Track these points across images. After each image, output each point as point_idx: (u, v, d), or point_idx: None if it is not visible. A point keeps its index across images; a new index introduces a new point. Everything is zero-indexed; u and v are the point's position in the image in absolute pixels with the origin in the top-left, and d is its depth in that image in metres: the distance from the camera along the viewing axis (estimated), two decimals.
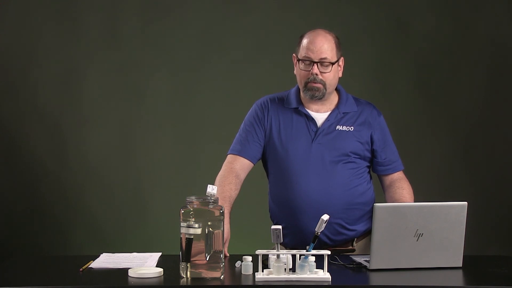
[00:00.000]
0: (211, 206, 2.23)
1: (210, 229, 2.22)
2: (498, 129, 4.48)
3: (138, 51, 4.52)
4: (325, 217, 2.22)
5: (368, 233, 2.79)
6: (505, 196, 4.45)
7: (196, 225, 2.18)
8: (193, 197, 2.25)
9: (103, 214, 4.52)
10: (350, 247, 2.75)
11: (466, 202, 2.35)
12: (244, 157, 2.79)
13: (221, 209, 2.25)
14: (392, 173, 2.85)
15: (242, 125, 2.86)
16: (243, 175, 2.80)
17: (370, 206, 2.77)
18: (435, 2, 4.50)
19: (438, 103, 4.52)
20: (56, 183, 4.51)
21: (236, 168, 2.78)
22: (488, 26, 4.46)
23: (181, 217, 2.21)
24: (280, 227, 2.19)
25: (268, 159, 2.82)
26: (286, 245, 2.74)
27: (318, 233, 2.24)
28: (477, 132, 4.49)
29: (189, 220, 2.19)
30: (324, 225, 2.22)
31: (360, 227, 2.76)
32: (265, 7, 4.49)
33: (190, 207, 2.22)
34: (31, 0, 4.48)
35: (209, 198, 2.24)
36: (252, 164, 2.82)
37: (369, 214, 2.77)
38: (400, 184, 2.83)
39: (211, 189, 2.26)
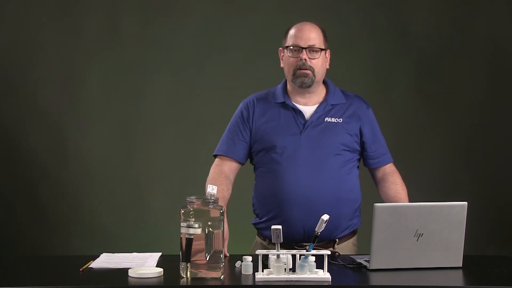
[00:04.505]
0: (211, 206, 2.23)
1: (210, 229, 2.22)
2: (498, 129, 4.48)
3: (138, 51, 4.52)
4: (325, 217, 2.22)
5: (350, 235, 2.78)
6: (505, 196, 4.45)
7: (196, 225, 2.18)
8: (193, 197, 2.25)
9: (103, 214, 4.52)
10: (331, 249, 2.69)
11: (466, 202, 2.35)
12: (231, 158, 2.81)
13: (221, 209, 2.25)
14: (383, 166, 2.84)
15: (228, 126, 2.87)
16: (232, 176, 2.81)
17: (357, 203, 2.77)
18: (435, 2, 4.50)
19: (438, 103, 4.52)
20: (56, 183, 4.51)
21: (224, 170, 2.79)
22: (488, 26, 4.46)
23: (181, 217, 2.21)
24: (280, 227, 2.19)
25: (256, 155, 2.80)
26: (268, 238, 2.72)
27: (318, 233, 2.24)
28: (477, 132, 4.49)
29: (189, 220, 2.19)
30: (324, 225, 2.22)
31: (344, 223, 2.72)
32: (265, 7, 4.49)
33: (190, 207, 2.22)
34: (31, 0, 4.48)
35: (209, 198, 2.25)
36: (240, 164, 2.83)
37: (355, 213, 2.77)
38: (393, 178, 2.82)
39: (211, 189, 2.26)
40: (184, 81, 4.54)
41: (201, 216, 2.21)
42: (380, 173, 2.85)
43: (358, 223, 2.82)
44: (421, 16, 4.51)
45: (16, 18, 4.48)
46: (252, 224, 2.83)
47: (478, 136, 4.50)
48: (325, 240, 2.69)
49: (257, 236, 2.85)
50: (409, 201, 2.76)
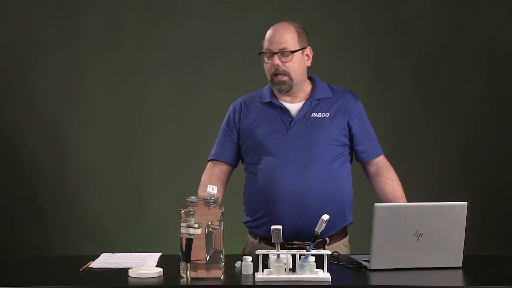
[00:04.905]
0: (211, 206, 2.23)
1: (210, 229, 2.22)
2: (498, 129, 4.48)
3: (138, 51, 4.52)
4: (325, 217, 2.22)
5: (342, 235, 2.76)
6: (505, 196, 4.45)
7: (196, 225, 2.18)
8: (193, 197, 2.25)
9: (103, 214, 4.52)
10: (322, 248, 2.66)
11: (466, 202, 2.35)
12: (222, 161, 2.83)
13: (221, 209, 2.25)
14: (375, 159, 2.81)
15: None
16: (224, 178, 2.83)
17: (348, 199, 2.74)
18: (435, 2, 4.50)
19: (438, 103, 4.52)
20: (56, 183, 4.51)
21: (215, 173, 2.82)
22: (488, 26, 4.46)
23: (181, 217, 2.21)
24: (279, 227, 2.19)
25: (245, 155, 2.80)
26: (259, 236, 2.73)
27: (318, 233, 2.24)
28: (477, 132, 4.50)
29: (189, 220, 2.19)
30: (324, 225, 2.22)
31: (334, 220, 2.64)
32: (265, 7, 4.49)
33: (190, 207, 2.22)
34: (31, 0, 4.48)
35: (209, 198, 2.25)
36: (232, 166, 2.85)
37: (347, 210, 2.75)
38: (388, 173, 2.79)
39: (211, 189, 2.26)
40: (184, 81, 4.54)
41: (201, 216, 2.21)
42: (373, 167, 2.82)
43: (350, 220, 2.79)
44: (421, 16, 4.51)
45: (16, 18, 4.48)
46: (243, 222, 2.83)
47: (478, 136, 4.50)
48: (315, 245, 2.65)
49: (248, 235, 2.85)
50: (409, 201, 2.74)
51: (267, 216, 2.68)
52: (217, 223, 2.23)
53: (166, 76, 4.54)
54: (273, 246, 2.57)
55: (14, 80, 4.50)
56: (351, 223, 2.81)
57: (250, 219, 2.78)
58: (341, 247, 2.74)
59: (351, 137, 2.77)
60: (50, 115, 4.51)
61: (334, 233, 2.73)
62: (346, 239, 2.80)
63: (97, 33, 4.51)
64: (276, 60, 2.69)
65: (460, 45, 4.49)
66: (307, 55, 2.76)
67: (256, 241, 2.77)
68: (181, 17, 4.53)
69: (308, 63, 2.77)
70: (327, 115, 2.73)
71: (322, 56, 4.40)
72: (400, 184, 2.79)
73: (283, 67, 2.69)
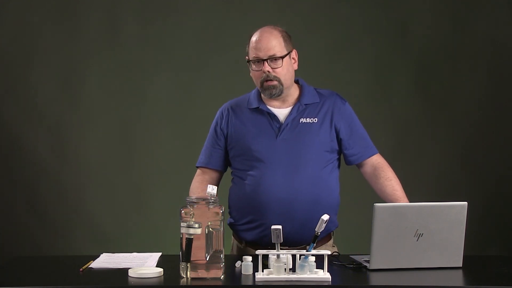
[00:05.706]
0: (211, 206, 2.23)
1: (210, 229, 2.22)
2: (498, 129, 4.48)
3: (138, 51, 4.52)
4: (325, 217, 2.22)
5: (326, 238, 2.75)
6: (505, 196, 4.46)
7: (196, 225, 2.18)
8: (193, 197, 2.25)
9: (103, 214, 4.52)
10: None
11: (466, 202, 2.35)
12: (211, 168, 2.82)
13: (221, 209, 2.25)
14: (367, 159, 2.78)
15: (208, 135, 2.87)
16: (214, 183, 2.81)
17: (337, 204, 2.73)
18: (435, 2, 4.50)
19: (438, 103, 4.52)
20: (56, 183, 4.51)
21: (206, 178, 2.81)
22: (488, 26, 4.46)
23: (181, 217, 2.21)
24: (280, 227, 2.19)
25: (233, 161, 2.78)
26: (245, 239, 2.72)
27: (318, 233, 2.24)
28: (477, 132, 4.50)
29: (189, 220, 2.19)
30: (324, 225, 2.22)
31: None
32: (265, 7, 4.49)
33: (190, 207, 2.22)
34: (31, 0, 4.48)
35: (209, 198, 2.25)
36: (221, 173, 2.84)
37: (334, 216, 2.73)
38: (385, 174, 2.75)
39: (211, 189, 2.26)
40: (184, 81, 4.54)
41: (201, 216, 2.21)
42: (368, 168, 2.79)
43: (336, 224, 2.78)
44: (421, 16, 4.51)
45: (16, 18, 4.48)
46: (228, 225, 2.80)
47: (478, 136, 4.50)
48: (302, 244, 2.61)
49: (232, 237, 2.83)
50: (409, 202, 2.74)
51: (255, 222, 2.67)
52: (217, 223, 2.23)
53: (166, 76, 4.54)
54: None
55: (14, 80, 4.50)
56: (336, 227, 2.81)
57: (235, 222, 2.76)
58: (329, 248, 2.72)
59: (339, 141, 2.74)
60: (50, 115, 4.51)
61: (319, 238, 2.70)
62: (331, 242, 2.78)
63: (97, 33, 4.51)
64: (267, 67, 2.67)
65: (460, 45, 4.50)
66: (293, 58, 2.73)
67: (241, 246, 2.76)
68: (181, 17, 4.53)
69: (295, 66, 2.75)
70: (315, 120, 2.71)
71: (322, 56, 4.45)
72: (398, 182, 2.76)
73: (273, 73, 2.67)
